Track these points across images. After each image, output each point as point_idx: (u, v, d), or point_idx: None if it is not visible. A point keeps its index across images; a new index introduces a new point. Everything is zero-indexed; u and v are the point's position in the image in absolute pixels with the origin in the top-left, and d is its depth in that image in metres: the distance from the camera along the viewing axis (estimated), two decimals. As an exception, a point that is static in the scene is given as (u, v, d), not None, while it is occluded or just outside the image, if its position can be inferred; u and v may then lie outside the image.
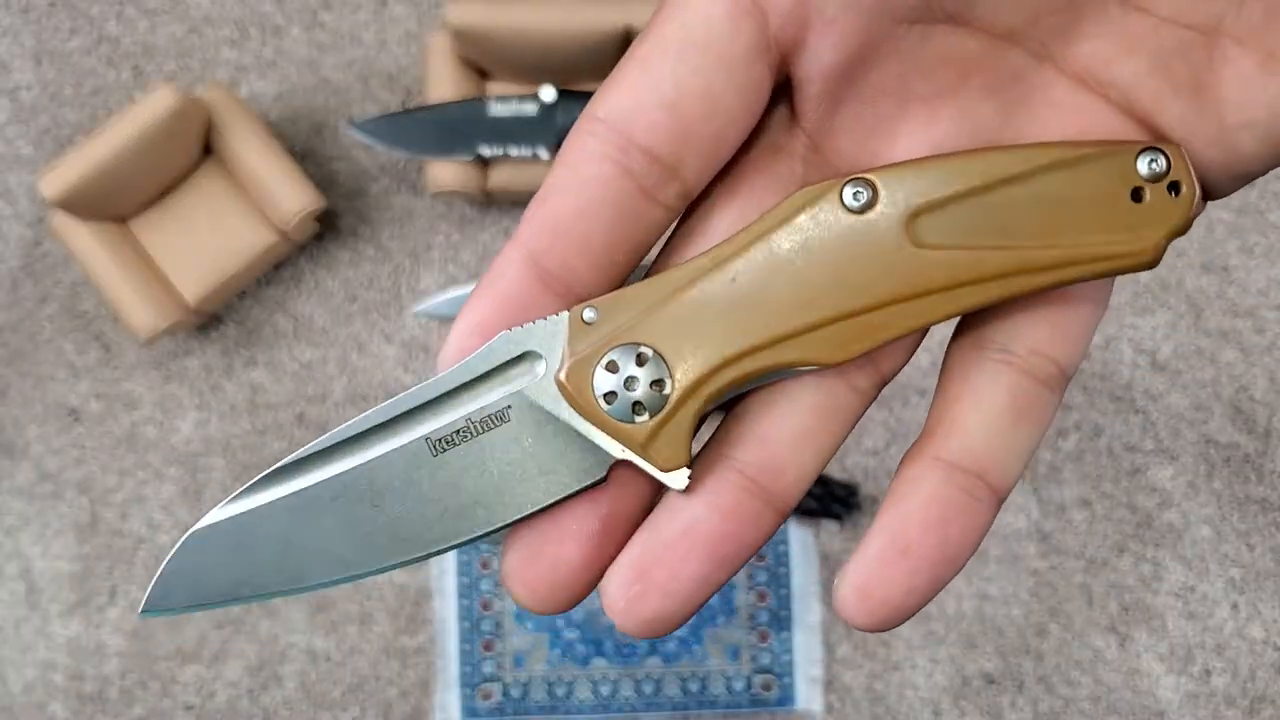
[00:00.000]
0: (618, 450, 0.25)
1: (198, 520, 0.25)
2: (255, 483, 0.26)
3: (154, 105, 0.84)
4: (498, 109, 0.89)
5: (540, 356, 0.25)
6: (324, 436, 0.26)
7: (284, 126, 0.98)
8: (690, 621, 0.94)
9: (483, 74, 0.94)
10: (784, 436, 0.25)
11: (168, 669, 0.94)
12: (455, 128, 0.90)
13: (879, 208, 0.24)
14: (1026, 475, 0.94)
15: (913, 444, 0.26)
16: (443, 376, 0.25)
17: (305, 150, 0.98)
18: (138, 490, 0.95)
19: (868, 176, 0.25)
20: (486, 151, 0.89)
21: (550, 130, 0.89)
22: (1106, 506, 0.95)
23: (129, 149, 0.85)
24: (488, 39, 0.87)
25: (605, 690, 0.94)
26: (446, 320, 0.96)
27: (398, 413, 0.25)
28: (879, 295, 0.24)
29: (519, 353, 0.25)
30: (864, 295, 0.24)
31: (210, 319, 0.96)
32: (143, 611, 0.26)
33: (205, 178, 0.93)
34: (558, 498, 0.25)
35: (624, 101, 0.24)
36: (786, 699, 0.94)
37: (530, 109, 0.89)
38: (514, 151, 0.90)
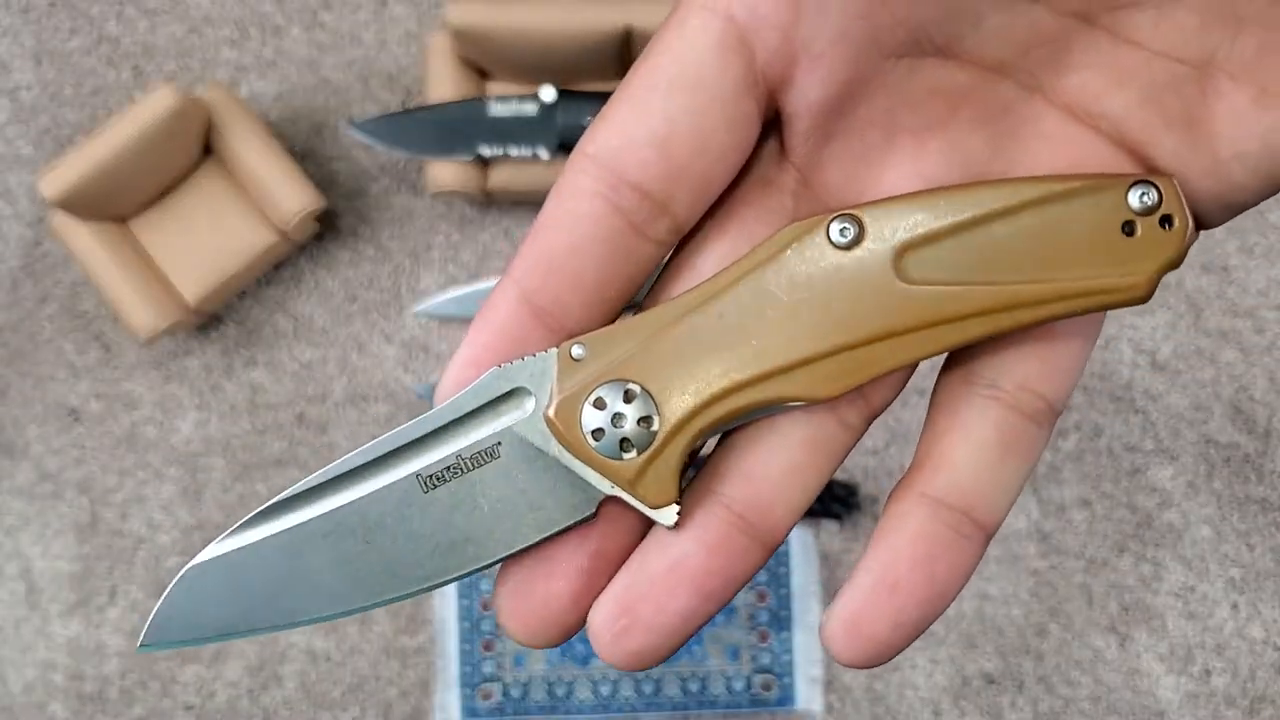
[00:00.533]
0: (606, 487, 0.25)
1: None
2: (249, 519, 0.26)
3: (154, 105, 0.84)
4: (498, 109, 0.89)
5: (530, 393, 0.25)
6: (316, 473, 0.26)
7: (284, 126, 0.98)
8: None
9: (483, 74, 0.93)
10: (771, 473, 0.25)
11: (168, 669, 0.94)
12: (455, 128, 0.89)
13: (866, 244, 0.24)
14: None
15: (901, 478, 0.26)
16: (433, 413, 0.25)
17: (305, 150, 0.97)
18: (138, 490, 0.95)
19: (854, 213, 0.24)
20: (486, 151, 0.89)
21: (550, 130, 0.89)
22: (1106, 506, 0.95)
23: (129, 149, 0.85)
24: (488, 39, 0.87)
25: (605, 690, 0.94)
26: (447, 320, 0.96)
27: (388, 449, 0.26)
28: (867, 331, 0.24)
29: (509, 389, 0.25)
30: (852, 331, 0.24)
31: (210, 319, 0.96)
32: (140, 646, 0.26)
33: (205, 178, 0.93)
34: (547, 534, 0.25)
35: (614, 139, 0.24)
36: (786, 699, 0.94)
37: (530, 109, 0.89)
38: (514, 151, 0.90)
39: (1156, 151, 0.25)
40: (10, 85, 0.98)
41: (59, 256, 0.96)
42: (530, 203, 0.97)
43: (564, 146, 0.89)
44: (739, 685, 0.94)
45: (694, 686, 0.94)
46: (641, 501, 0.25)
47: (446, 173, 0.90)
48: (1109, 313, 0.26)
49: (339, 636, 0.94)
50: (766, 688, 0.94)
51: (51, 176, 0.84)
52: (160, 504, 0.95)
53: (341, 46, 0.98)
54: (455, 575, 0.25)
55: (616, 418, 0.25)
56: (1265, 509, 0.95)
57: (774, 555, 0.93)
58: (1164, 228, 0.24)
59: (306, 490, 0.26)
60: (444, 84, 0.91)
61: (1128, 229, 0.24)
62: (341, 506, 0.25)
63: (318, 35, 0.98)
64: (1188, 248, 0.25)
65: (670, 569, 0.25)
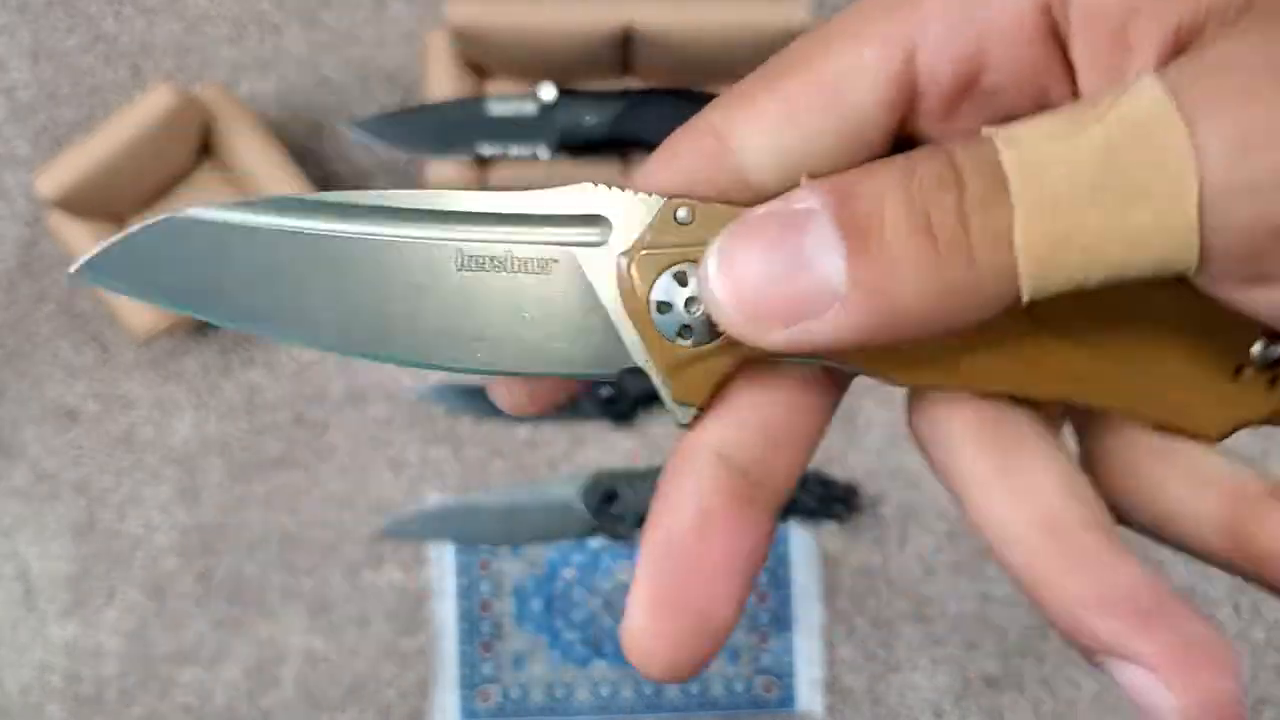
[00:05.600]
0: (640, 360, 0.23)
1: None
2: (266, 201, 0.24)
3: (152, 104, 0.84)
4: (497, 108, 0.89)
5: (611, 228, 0.23)
6: (357, 193, 0.24)
7: (282, 126, 0.97)
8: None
9: (482, 73, 0.93)
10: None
11: (165, 670, 0.93)
12: (454, 127, 0.89)
13: None
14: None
15: None
16: (504, 195, 0.24)
17: (304, 150, 0.97)
18: (135, 491, 0.95)
19: None
20: (486, 151, 0.89)
21: (550, 129, 0.89)
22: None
23: (126, 148, 0.84)
24: (488, 37, 0.87)
25: (605, 692, 0.93)
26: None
27: (443, 207, 0.24)
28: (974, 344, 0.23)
29: (593, 212, 0.23)
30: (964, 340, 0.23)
31: (208, 319, 0.96)
32: (73, 273, 0.23)
33: (203, 177, 0.93)
34: (555, 373, 0.24)
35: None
36: (787, 701, 0.94)
37: (530, 108, 0.89)
38: (514, 151, 0.89)
39: None
40: (7, 83, 0.98)
41: (56, 256, 0.96)
42: (530, 202, 0.97)
43: (564, 145, 0.89)
44: (739, 687, 0.94)
45: (694, 688, 0.93)
46: (667, 390, 0.23)
47: (446, 172, 0.90)
48: None
49: (337, 638, 0.93)
50: (767, 689, 0.94)
51: (48, 175, 0.83)
52: (158, 505, 0.94)
53: (340, 45, 0.98)
54: (446, 366, 0.24)
55: (690, 302, 0.23)
56: (1267, 510, 0.95)
57: (774, 556, 0.93)
58: (1270, 386, 0.24)
59: (339, 204, 0.24)
60: (443, 83, 0.90)
61: (1237, 371, 0.24)
62: (369, 237, 0.24)
63: (316, 34, 0.98)
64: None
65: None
